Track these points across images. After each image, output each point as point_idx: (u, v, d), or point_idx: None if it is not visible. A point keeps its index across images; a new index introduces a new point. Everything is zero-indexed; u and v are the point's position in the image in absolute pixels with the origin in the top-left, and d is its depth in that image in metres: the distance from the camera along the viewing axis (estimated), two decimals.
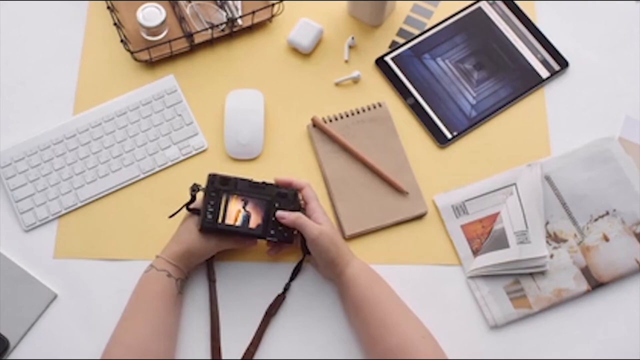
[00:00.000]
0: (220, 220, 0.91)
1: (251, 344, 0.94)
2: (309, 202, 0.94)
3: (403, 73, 1.11)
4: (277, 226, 0.92)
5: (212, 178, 0.92)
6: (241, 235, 0.92)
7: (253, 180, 0.93)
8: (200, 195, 0.95)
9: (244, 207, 0.92)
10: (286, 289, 0.97)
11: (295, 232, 0.93)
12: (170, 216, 0.95)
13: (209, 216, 0.91)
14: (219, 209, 0.91)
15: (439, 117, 1.08)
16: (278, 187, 0.93)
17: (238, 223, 0.91)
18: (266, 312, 0.96)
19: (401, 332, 0.87)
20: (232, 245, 0.94)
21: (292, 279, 0.97)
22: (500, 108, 1.09)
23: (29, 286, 0.97)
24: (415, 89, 1.10)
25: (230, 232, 0.91)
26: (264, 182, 0.93)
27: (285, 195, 0.92)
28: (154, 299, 0.89)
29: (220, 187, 0.92)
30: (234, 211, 0.91)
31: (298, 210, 0.93)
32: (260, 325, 0.95)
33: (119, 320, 0.89)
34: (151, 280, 0.90)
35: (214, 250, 0.93)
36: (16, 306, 0.96)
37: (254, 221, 0.92)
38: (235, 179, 0.92)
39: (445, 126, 1.08)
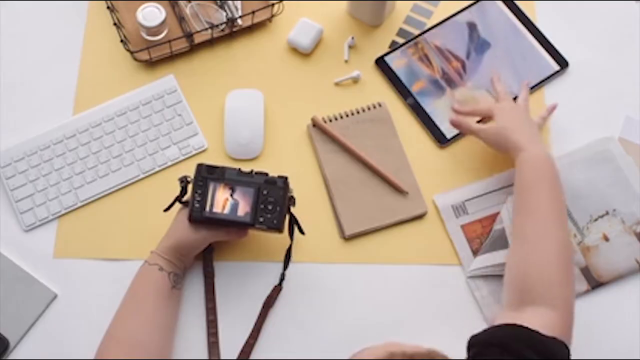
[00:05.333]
0: (207, 208, 0.90)
1: (250, 336, 0.94)
2: (498, 100, 1.02)
3: None
4: (266, 213, 0.91)
5: (199, 167, 0.92)
6: (229, 223, 0.91)
7: (241, 169, 0.92)
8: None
9: (231, 195, 0.91)
10: (282, 279, 0.97)
11: (284, 220, 0.92)
12: (165, 210, 0.95)
13: (197, 205, 0.90)
14: (207, 197, 0.91)
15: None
16: (266, 175, 0.92)
17: (226, 211, 0.91)
18: (264, 304, 0.96)
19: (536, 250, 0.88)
20: (223, 236, 0.94)
21: (285, 267, 0.97)
22: None
23: (29, 286, 0.97)
24: None
25: (219, 221, 0.91)
26: (252, 170, 0.92)
27: (274, 183, 0.91)
28: (146, 293, 0.89)
29: (207, 175, 0.91)
30: (222, 199, 0.91)
31: (288, 199, 0.92)
32: (258, 317, 0.95)
33: (113, 316, 0.89)
34: (143, 275, 0.90)
35: (205, 241, 0.93)
36: (16, 306, 0.96)
37: (242, 209, 0.91)
38: (223, 167, 0.92)
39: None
